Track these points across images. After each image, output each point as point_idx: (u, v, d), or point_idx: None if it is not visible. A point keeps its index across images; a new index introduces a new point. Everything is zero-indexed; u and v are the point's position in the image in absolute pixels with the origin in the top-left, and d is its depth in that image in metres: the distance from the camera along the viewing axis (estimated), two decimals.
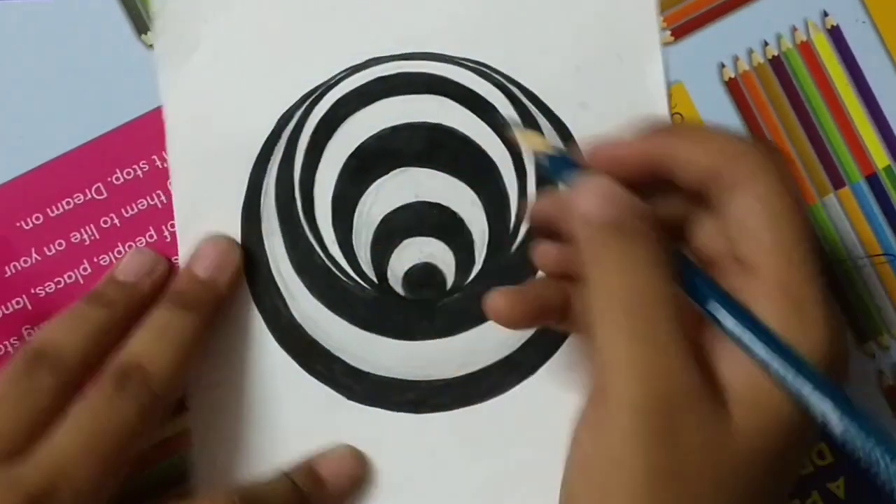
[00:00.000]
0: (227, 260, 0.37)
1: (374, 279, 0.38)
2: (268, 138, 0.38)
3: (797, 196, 0.30)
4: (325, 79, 0.38)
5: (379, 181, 0.39)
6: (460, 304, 0.38)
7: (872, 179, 0.39)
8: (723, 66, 0.39)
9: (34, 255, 0.38)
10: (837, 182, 0.39)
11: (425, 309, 0.38)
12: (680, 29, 0.39)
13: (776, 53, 0.39)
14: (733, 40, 0.39)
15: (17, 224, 0.38)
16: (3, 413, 0.33)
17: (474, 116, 0.38)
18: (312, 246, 0.38)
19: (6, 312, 0.38)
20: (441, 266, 0.39)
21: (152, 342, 0.35)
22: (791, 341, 0.28)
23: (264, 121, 0.38)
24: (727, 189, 0.30)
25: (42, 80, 0.38)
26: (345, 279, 0.38)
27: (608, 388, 0.28)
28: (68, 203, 0.38)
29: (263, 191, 0.38)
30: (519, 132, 0.34)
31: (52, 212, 0.38)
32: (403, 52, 0.38)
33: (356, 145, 0.38)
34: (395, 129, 0.38)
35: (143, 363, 0.34)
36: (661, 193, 0.32)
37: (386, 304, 0.38)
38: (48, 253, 0.38)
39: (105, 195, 0.38)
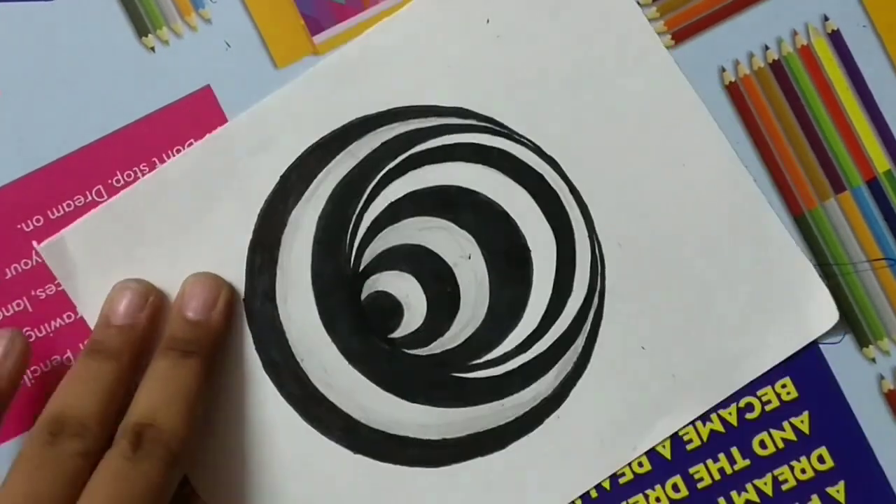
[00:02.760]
0: (213, 296, 0.37)
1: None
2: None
3: None
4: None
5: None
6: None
7: (873, 184, 0.39)
8: (723, 70, 0.39)
9: (35, 257, 0.38)
10: (838, 186, 0.39)
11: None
12: (680, 33, 0.39)
13: (777, 57, 0.39)
14: (734, 44, 0.39)
15: (18, 226, 0.38)
16: (43, 480, 0.33)
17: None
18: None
19: (6, 315, 0.38)
20: (405, 306, 0.39)
21: (159, 397, 0.35)
22: None
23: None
24: None
25: (42, 81, 0.38)
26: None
27: None
28: (69, 205, 0.38)
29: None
30: None
31: (53, 214, 0.38)
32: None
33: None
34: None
35: (154, 422, 0.34)
36: None
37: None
38: None
39: (105, 197, 0.38)
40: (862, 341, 0.39)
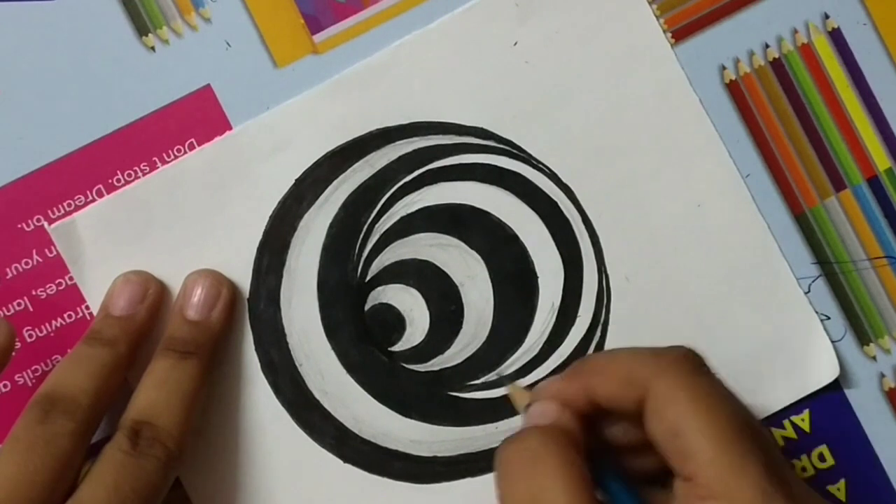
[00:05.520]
0: (214, 296, 0.37)
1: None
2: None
3: (722, 389, 0.30)
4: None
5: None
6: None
7: (873, 182, 0.39)
8: (724, 68, 0.39)
9: (35, 256, 0.38)
10: (838, 184, 0.39)
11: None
12: (681, 31, 0.39)
13: (777, 55, 0.39)
14: (734, 42, 0.39)
15: (19, 226, 0.38)
16: (32, 462, 0.33)
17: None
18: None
19: (7, 314, 0.38)
20: (408, 320, 0.39)
21: (157, 397, 0.35)
22: None
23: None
24: (648, 401, 0.30)
25: (43, 81, 0.38)
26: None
27: None
28: (69, 205, 0.38)
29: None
30: (511, 388, 0.36)
31: (54, 213, 0.38)
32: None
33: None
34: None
35: (152, 420, 0.34)
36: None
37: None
38: (49, 255, 0.38)
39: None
40: (863, 339, 0.39)
